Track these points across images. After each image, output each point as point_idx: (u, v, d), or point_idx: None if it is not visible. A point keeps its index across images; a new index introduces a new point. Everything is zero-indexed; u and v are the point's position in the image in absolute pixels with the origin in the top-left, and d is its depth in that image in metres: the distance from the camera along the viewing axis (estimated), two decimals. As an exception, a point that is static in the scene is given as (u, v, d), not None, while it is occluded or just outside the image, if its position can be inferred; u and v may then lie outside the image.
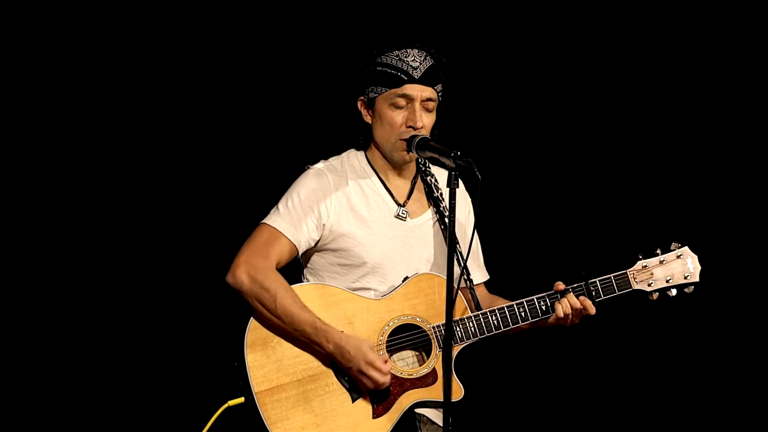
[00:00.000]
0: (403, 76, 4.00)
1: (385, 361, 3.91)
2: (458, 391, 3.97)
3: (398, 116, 4.02)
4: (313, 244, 4.06)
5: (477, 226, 3.90)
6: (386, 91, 4.02)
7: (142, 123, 5.31)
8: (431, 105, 4.04)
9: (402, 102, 4.02)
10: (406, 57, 4.02)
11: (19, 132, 5.19)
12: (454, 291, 3.65)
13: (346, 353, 3.90)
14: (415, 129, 4.00)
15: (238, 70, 5.36)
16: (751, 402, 5.55)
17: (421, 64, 4.02)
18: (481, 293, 4.26)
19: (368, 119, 4.10)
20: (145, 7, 5.24)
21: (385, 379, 3.91)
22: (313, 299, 3.97)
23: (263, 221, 4.02)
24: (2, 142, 5.18)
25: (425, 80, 4.01)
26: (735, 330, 5.56)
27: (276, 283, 3.93)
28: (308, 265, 4.12)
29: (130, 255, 5.29)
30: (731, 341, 5.57)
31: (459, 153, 3.70)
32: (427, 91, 4.02)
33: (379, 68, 4.03)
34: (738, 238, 5.52)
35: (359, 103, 4.10)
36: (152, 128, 5.32)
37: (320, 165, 4.11)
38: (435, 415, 4.06)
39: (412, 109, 4.01)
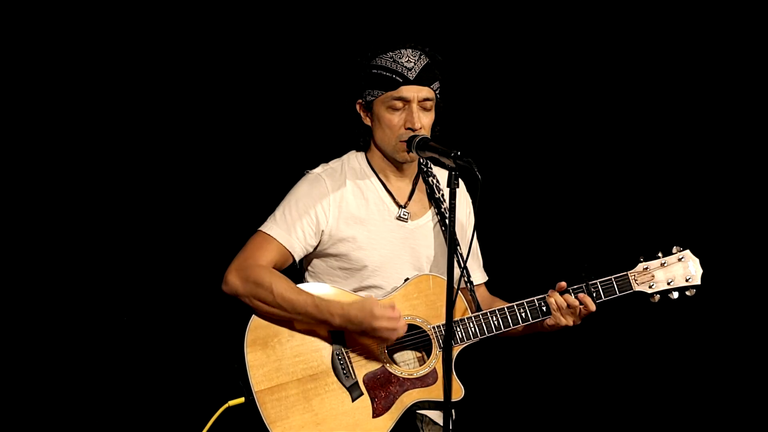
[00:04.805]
0: (398, 78, 4.00)
1: (393, 307, 3.90)
2: (458, 391, 3.98)
3: (396, 118, 4.02)
4: (311, 250, 4.06)
5: (477, 227, 3.90)
6: (382, 94, 4.02)
7: (145, 128, 5.31)
8: (429, 104, 4.03)
9: (399, 104, 4.02)
10: (400, 58, 4.02)
11: (19, 132, 5.19)
12: (454, 292, 3.66)
13: (354, 318, 3.90)
14: (413, 130, 4.00)
15: (238, 75, 5.36)
16: (752, 403, 5.54)
17: (415, 64, 4.02)
18: (482, 294, 4.26)
19: (367, 122, 4.10)
20: (144, 11, 5.25)
21: (399, 324, 3.90)
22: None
23: (259, 228, 4.04)
24: (2, 142, 5.19)
25: (421, 80, 4.01)
26: (736, 333, 5.55)
27: (268, 275, 3.94)
28: (309, 268, 4.13)
29: (131, 256, 5.29)
30: (732, 344, 5.55)
31: (459, 153, 3.71)
32: (424, 91, 4.02)
33: (374, 71, 4.03)
34: (740, 242, 5.50)
35: (357, 106, 4.11)
36: (154, 131, 5.32)
37: (319, 170, 4.11)
38: (437, 416, 4.07)
39: (410, 110, 4.01)
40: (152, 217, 5.31)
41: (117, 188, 5.29)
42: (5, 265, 5.20)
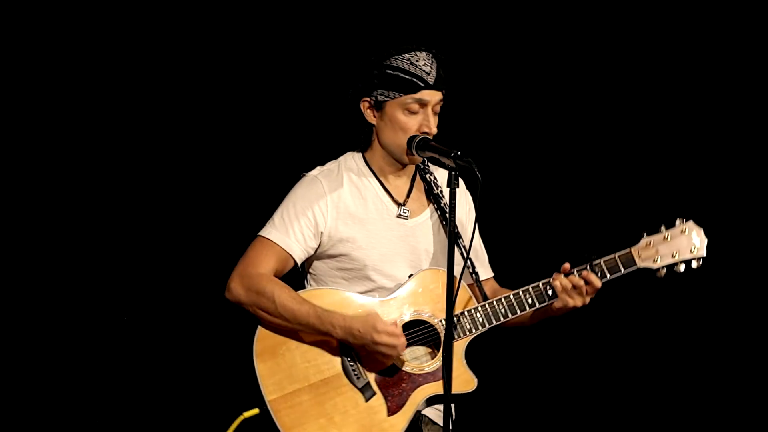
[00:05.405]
0: (418, 82, 3.95)
1: (395, 324, 3.90)
2: (471, 382, 3.97)
3: (412, 121, 3.98)
4: (311, 252, 4.04)
5: (478, 222, 3.88)
6: (399, 96, 3.97)
7: (145, 129, 5.31)
8: (439, 108, 4.02)
9: (416, 107, 3.97)
10: (417, 61, 3.97)
11: (19, 132, 5.18)
12: (457, 285, 3.65)
13: (355, 331, 3.89)
14: (428, 134, 3.97)
15: (237, 77, 5.35)
16: (754, 397, 5.57)
17: (431, 68, 3.97)
18: (491, 288, 4.22)
19: (372, 120, 4.05)
20: (144, 8, 5.20)
21: (400, 341, 3.89)
22: (317, 303, 3.95)
23: (258, 233, 4.02)
24: (2, 142, 5.14)
25: (437, 85, 3.98)
26: (738, 323, 5.56)
27: (270, 285, 3.92)
28: (311, 270, 4.11)
29: (131, 260, 5.32)
30: (734, 335, 5.57)
31: (459, 153, 3.70)
32: (439, 95, 4.00)
33: (389, 71, 3.97)
34: (739, 234, 5.50)
35: (364, 104, 4.04)
36: (154, 132, 5.32)
37: (315, 171, 4.08)
38: (437, 416, 4.06)
39: (426, 114, 3.98)
40: (151, 219, 5.32)
41: (120, 193, 5.30)
42: (6, 266, 5.19)
